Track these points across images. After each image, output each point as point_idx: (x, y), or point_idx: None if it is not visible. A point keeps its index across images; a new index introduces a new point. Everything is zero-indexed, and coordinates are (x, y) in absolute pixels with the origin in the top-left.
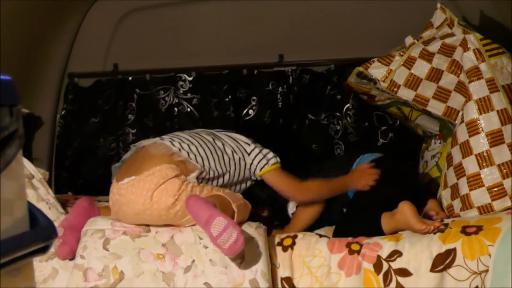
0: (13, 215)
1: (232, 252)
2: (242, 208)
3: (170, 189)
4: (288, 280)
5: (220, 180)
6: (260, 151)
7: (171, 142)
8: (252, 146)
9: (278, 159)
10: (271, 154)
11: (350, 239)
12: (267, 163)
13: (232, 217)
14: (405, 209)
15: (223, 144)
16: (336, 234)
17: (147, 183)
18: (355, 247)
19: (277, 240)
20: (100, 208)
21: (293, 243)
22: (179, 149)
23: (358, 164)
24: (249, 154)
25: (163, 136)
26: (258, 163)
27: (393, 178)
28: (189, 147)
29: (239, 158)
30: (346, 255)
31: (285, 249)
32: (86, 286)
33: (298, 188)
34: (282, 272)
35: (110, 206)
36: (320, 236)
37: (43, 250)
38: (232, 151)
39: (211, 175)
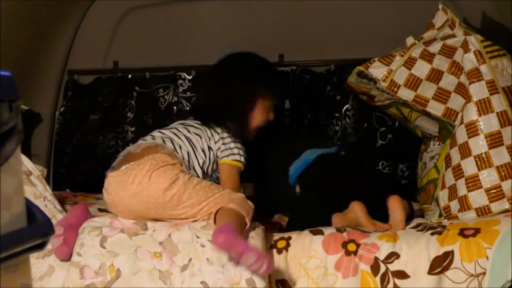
0: (11, 210)
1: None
2: (251, 214)
3: (168, 172)
4: (284, 282)
5: (200, 171)
6: (228, 145)
7: (152, 138)
8: (224, 135)
9: (242, 161)
10: (239, 152)
11: (346, 238)
12: (228, 156)
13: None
14: (357, 209)
15: (197, 135)
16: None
17: (147, 165)
18: (351, 247)
19: (272, 242)
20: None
21: (288, 245)
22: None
23: (292, 176)
24: (216, 142)
25: (145, 138)
26: (221, 152)
27: (340, 176)
28: (172, 142)
29: (209, 148)
30: (342, 256)
31: (279, 251)
32: (83, 284)
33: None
34: (277, 274)
35: (105, 199)
36: (314, 234)
37: (40, 246)
38: (205, 140)
39: (192, 166)
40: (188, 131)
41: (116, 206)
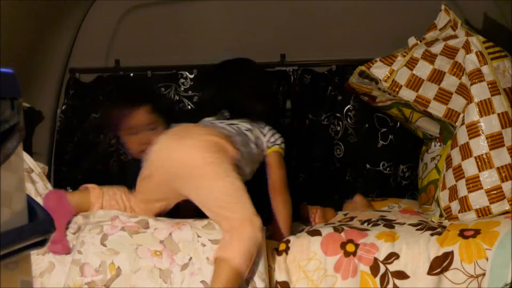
0: (12, 207)
1: None
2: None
3: (224, 163)
4: (285, 284)
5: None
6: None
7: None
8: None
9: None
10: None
11: (344, 238)
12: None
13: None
14: (358, 200)
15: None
16: None
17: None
18: (350, 248)
19: (275, 244)
20: (76, 194)
21: (287, 248)
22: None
23: None
24: (264, 135)
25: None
26: (270, 138)
27: None
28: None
29: (257, 137)
30: (341, 257)
31: (279, 253)
32: (83, 281)
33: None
34: (278, 276)
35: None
36: (312, 235)
37: (41, 243)
38: (251, 132)
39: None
40: (239, 128)
41: (163, 161)
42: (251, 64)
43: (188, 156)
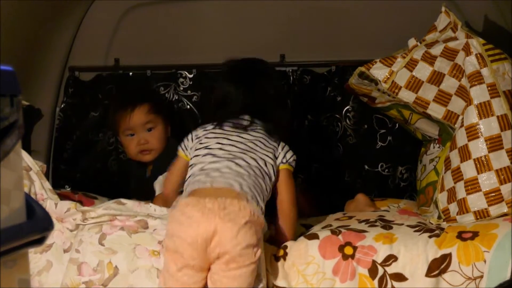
0: (10, 205)
1: None
2: None
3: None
4: None
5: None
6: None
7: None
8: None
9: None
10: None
11: (341, 241)
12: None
13: None
14: (360, 199)
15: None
16: None
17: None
18: (348, 251)
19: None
20: None
21: (285, 254)
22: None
23: None
24: (278, 152)
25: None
26: (285, 155)
27: None
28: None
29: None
30: (340, 260)
31: (277, 259)
32: (81, 280)
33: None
34: (277, 282)
35: (175, 226)
36: (309, 239)
37: (39, 241)
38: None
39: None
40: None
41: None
42: (272, 68)
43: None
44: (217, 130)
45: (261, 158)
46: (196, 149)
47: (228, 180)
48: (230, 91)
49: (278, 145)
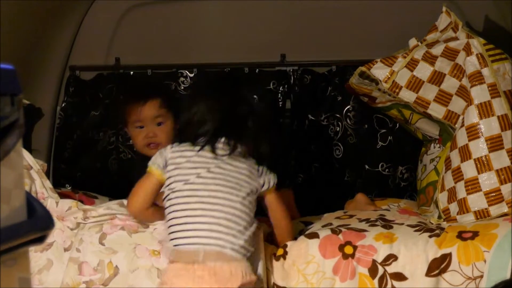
0: (10, 204)
1: None
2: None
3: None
4: None
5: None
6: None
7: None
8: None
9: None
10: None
11: (342, 240)
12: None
13: None
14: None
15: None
16: None
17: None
18: (348, 250)
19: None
20: None
21: (285, 253)
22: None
23: None
24: (259, 177)
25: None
26: (266, 182)
27: None
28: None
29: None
30: (340, 260)
31: (277, 258)
32: (81, 280)
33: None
34: (277, 281)
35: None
36: (309, 238)
37: (40, 240)
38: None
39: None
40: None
41: None
42: (254, 82)
43: None
44: (196, 158)
45: (246, 193)
46: (175, 181)
47: (218, 241)
48: (205, 109)
49: (261, 172)
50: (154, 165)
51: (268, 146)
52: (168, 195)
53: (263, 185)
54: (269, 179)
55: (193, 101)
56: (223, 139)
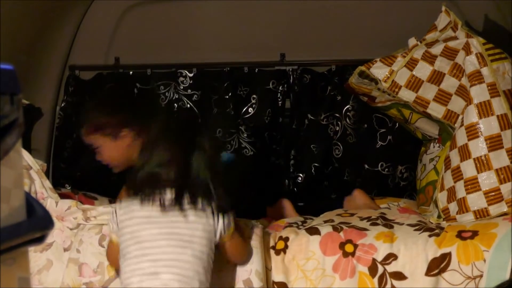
0: (10, 203)
1: None
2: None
3: None
4: (282, 285)
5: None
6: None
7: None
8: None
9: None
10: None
11: (343, 238)
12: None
13: None
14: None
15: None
16: None
17: None
18: (349, 248)
19: (271, 243)
20: None
21: (286, 246)
22: None
23: None
24: (214, 224)
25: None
26: (222, 227)
27: None
28: None
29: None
30: (340, 257)
31: (277, 252)
32: (81, 281)
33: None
34: (275, 276)
35: None
36: (310, 234)
37: (39, 240)
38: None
39: None
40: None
41: None
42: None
43: None
44: (142, 213)
45: (199, 250)
46: (126, 242)
47: None
48: (156, 161)
49: (216, 221)
50: (112, 234)
51: (224, 192)
52: (121, 257)
53: (219, 235)
54: (224, 226)
55: (145, 150)
56: (174, 194)
